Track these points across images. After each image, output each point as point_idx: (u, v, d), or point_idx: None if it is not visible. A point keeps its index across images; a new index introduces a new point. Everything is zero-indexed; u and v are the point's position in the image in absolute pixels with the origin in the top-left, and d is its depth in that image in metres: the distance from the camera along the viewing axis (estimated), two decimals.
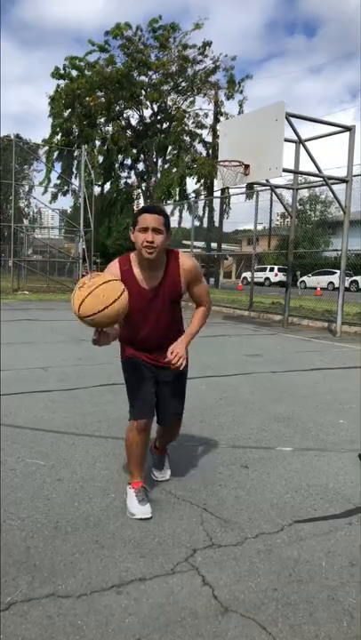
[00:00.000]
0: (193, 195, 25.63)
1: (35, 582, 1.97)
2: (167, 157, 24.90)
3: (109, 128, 24.98)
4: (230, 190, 19.29)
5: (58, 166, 25.08)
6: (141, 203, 28.42)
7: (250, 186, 12.65)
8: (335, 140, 10.53)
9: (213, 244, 29.97)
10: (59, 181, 25.46)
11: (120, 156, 25.26)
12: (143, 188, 26.03)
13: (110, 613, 1.81)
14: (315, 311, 13.16)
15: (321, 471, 3.19)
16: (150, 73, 23.17)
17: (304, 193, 24.52)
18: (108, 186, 26.85)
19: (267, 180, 10.59)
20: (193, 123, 24.61)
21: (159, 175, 24.52)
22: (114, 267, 2.51)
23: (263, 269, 32.77)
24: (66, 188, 25.67)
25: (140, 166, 25.96)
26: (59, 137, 24.19)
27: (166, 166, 24.55)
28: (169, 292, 2.51)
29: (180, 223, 26.93)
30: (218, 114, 24.90)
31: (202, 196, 25.79)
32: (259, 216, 14.43)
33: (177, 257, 2.53)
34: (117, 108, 24.15)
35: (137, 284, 2.46)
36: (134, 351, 2.65)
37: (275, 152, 8.80)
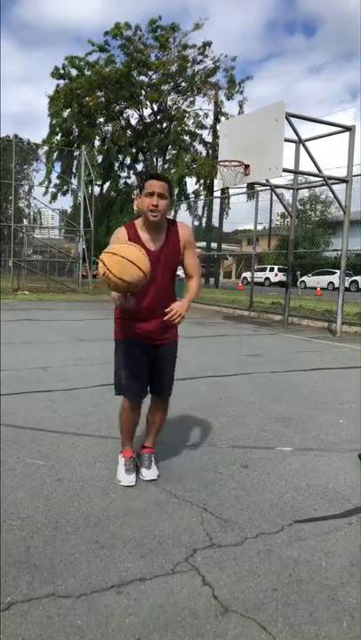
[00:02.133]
0: (192, 195, 25.64)
1: (35, 582, 1.97)
2: (167, 157, 24.90)
3: (109, 128, 24.99)
4: (230, 190, 19.30)
5: (58, 166, 25.10)
6: None
7: (250, 186, 12.65)
8: (335, 139, 10.53)
9: (213, 244, 29.98)
10: (58, 181, 25.48)
11: (120, 156, 25.26)
12: None
13: (110, 613, 1.81)
14: (315, 311, 13.16)
15: (321, 471, 3.19)
16: (150, 73, 23.18)
17: (304, 193, 24.54)
18: (107, 185, 26.87)
19: (267, 180, 10.59)
20: (193, 123, 24.63)
21: None
22: (121, 232, 2.71)
23: (263, 269, 32.77)
24: (66, 187, 25.68)
25: (140, 166, 25.96)
26: (58, 137, 24.19)
27: (166, 166, 24.54)
28: (171, 254, 2.73)
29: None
30: (218, 114, 24.91)
31: (202, 196, 25.80)
32: (259, 216, 14.44)
33: (175, 224, 2.79)
34: (117, 107, 24.15)
35: (143, 245, 2.62)
36: (131, 332, 2.79)
37: (275, 152, 8.80)
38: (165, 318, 2.59)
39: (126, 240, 2.59)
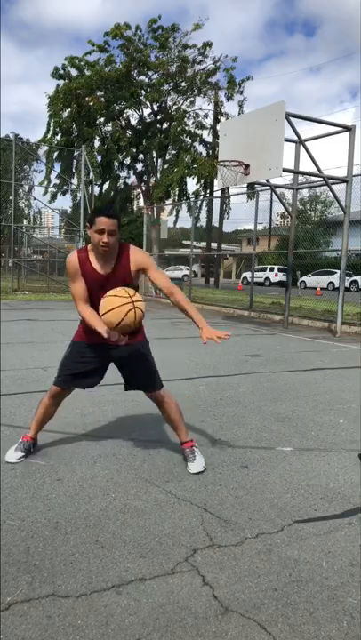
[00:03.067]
0: (193, 195, 25.63)
1: (35, 582, 1.97)
2: (167, 157, 24.88)
3: (109, 128, 24.95)
4: (230, 190, 19.31)
5: (58, 166, 25.07)
6: (141, 203, 28.40)
7: (250, 186, 12.65)
8: (335, 139, 10.53)
9: (213, 244, 29.97)
10: (58, 181, 25.46)
11: (120, 156, 25.23)
12: (143, 188, 26.01)
13: (110, 613, 1.81)
14: (315, 311, 13.16)
15: (321, 471, 3.19)
16: (150, 73, 23.16)
17: (304, 193, 24.56)
18: (107, 185, 26.82)
19: (267, 180, 10.59)
20: (193, 123, 24.60)
21: (159, 175, 24.50)
22: (72, 257, 2.92)
23: (263, 269, 32.79)
24: (65, 187, 25.66)
25: (140, 166, 25.93)
26: (58, 137, 24.16)
27: (166, 166, 24.53)
28: (121, 277, 2.89)
29: (176, 223, 26.93)
30: (218, 114, 24.90)
31: (201, 196, 25.78)
32: (259, 216, 14.44)
33: (128, 249, 2.92)
34: (117, 107, 24.13)
35: (93, 270, 2.89)
36: (85, 335, 3.12)
37: (275, 152, 8.80)
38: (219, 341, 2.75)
39: (76, 267, 2.89)
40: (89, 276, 2.89)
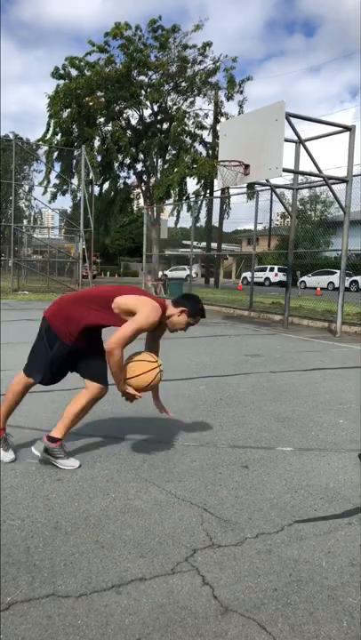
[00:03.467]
0: (193, 195, 25.63)
1: (35, 582, 1.97)
2: (167, 157, 24.87)
3: (109, 128, 24.96)
4: (230, 190, 19.31)
5: (58, 166, 25.08)
6: (141, 202, 28.40)
7: (250, 186, 12.65)
8: (335, 139, 10.53)
9: (213, 244, 29.97)
10: (58, 181, 25.46)
11: (119, 156, 25.23)
12: (143, 188, 26.01)
13: (110, 613, 1.81)
14: (315, 311, 13.17)
15: (321, 471, 3.19)
16: (150, 73, 23.16)
17: (304, 193, 24.55)
18: (107, 185, 26.83)
19: (267, 180, 10.59)
20: (193, 123, 24.61)
21: (159, 175, 24.50)
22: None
23: (263, 269, 32.80)
24: (65, 187, 25.66)
25: (140, 166, 25.94)
26: (58, 137, 24.16)
27: (166, 166, 24.53)
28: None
29: (177, 223, 26.93)
30: (218, 114, 24.90)
31: (201, 197, 25.79)
32: (259, 216, 14.44)
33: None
34: (117, 107, 24.13)
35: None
36: (76, 340, 3.15)
37: (275, 152, 8.80)
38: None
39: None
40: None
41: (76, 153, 24.31)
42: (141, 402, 4.63)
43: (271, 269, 32.72)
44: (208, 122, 25.08)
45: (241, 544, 2.30)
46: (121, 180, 26.98)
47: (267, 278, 32.46)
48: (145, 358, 3.06)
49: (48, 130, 23.99)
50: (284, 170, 9.28)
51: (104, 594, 1.91)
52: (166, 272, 31.14)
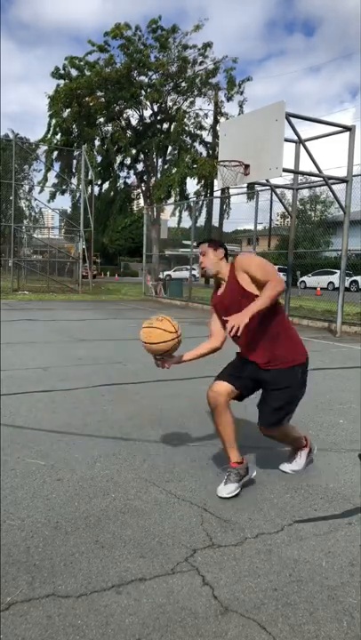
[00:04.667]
0: (193, 195, 25.63)
1: (35, 582, 1.97)
2: (167, 158, 24.88)
3: (109, 128, 24.96)
4: (230, 190, 19.30)
5: (57, 166, 25.08)
6: (141, 202, 28.39)
7: (250, 186, 12.65)
8: (335, 139, 10.53)
9: None
10: (56, 180, 25.47)
11: (119, 156, 25.24)
12: (143, 188, 26.01)
13: (110, 613, 1.81)
14: (315, 311, 13.16)
15: (321, 471, 3.19)
16: (150, 73, 23.16)
17: (304, 193, 24.55)
18: (106, 185, 26.84)
19: (267, 180, 10.59)
20: (193, 123, 24.61)
21: (159, 175, 24.50)
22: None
23: None
24: (65, 187, 25.67)
25: (140, 166, 25.94)
26: (58, 137, 24.17)
27: (166, 166, 24.53)
28: (233, 290, 2.86)
29: (179, 223, 26.92)
30: (218, 114, 24.91)
31: (202, 197, 25.79)
32: (259, 216, 14.43)
33: (232, 265, 2.91)
34: (117, 108, 24.14)
35: (215, 295, 3.04)
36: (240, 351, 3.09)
37: (275, 152, 8.80)
38: (230, 334, 2.70)
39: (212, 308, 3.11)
40: (215, 304, 3.05)
41: (75, 153, 24.30)
42: (141, 402, 4.65)
43: None
44: (208, 122, 25.09)
45: (241, 544, 2.30)
46: (121, 180, 26.99)
47: None
48: (166, 327, 2.94)
49: (49, 130, 24.00)
50: (284, 170, 9.28)
51: (104, 594, 1.91)
52: (170, 272, 31.08)
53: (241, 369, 2.96)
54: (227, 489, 2.76)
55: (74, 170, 25.54)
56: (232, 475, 2.81)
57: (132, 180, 27.19)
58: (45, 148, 24.39)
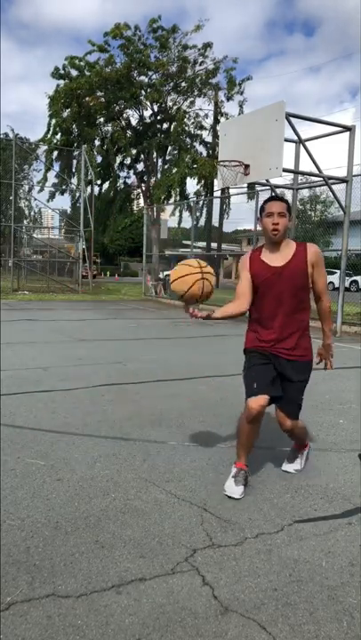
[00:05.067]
0: (193, 196, 25.62)
1: (35, 582, 1.97)
2: (167, 158, 24.88)
3: (109, 128, 24.96)
4: (230, 190, 19.30)
5: (57, 166, 25.08)
6: (141, 202, 28.38)
7: (250, 186, 12.65)
8: (335, 139, 10.53)
9: (213, 244, 29.97)
10: (56, 180, 25.47)
11: (119, 156, 25.25)
12: (143, 188, 26.01)
13: (110, 613, 1.81)
14: (314, 311, 13.14)
15: (321, 471, 3.19)
16: (150, 73, 23.16)
17: (304, 193, 24.53)
18: (106, 185, 26.84)
19: (267, 180, 10.59)
20: (193, 123, 24.61)
21: (159, 175, 24.50)
22: (245, 255, 2.93)
23: None
24: (65, 187, 25.67)
25: (140, 166, 25.94)
26: (58, 137, 24.17)
27: (166, 166, 24.53)
28: (296, 273, 2.75)
29: (180, 223, 26.91)
30: (218, 114, 24.90)
31: (202, 197, 25.79)
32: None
33: (305, 245, 2.80)
34: (117, 108, 24.13)
35: (261, 262, 2.81)
36: (254, 339, 2.93)
37: (275, 152, 8.80)
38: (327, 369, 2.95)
39: (246, 268, 2.86)
40: (259, 271, 2.79)
41: (75, 153, 24.30)
42: (141, 402, 4.65)
43: None
44: (208, 122, 25.08)
45: (241, 544, 2.30)
46: (121, 180, 26.99)
47: None
48: (188, 263, 2.79)
49: (49, 130, 24.01)
50: (284, 170, 9.28)
51: (104, 594, 1.91)
52: (170, 272, 31.01)
53: (270, 371, 2.84)
54: (239, 490, 2.77)
55: (74, 170, 25.53)
56: (240, 476, 2.81)
57: (132, 180, 27.18)
58: (45, 147, 24.38)
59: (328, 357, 3.05)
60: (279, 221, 2.70)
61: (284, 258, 2.77)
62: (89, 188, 21.49)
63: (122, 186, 27.12)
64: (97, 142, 25.01)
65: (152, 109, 24.56)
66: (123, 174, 26.84)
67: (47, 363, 6.13)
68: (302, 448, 3.21)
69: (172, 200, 23.82)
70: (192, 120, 24.63)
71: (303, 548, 2.29)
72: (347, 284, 12.76)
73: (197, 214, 22.90)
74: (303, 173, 10.86)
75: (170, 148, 24.38)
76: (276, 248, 2.80)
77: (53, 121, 23.66)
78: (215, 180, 21.24)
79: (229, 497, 2.75)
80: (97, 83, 22.40)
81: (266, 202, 2.78)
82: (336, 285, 14.49)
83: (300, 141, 10.03)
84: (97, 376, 5.47)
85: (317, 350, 3.01)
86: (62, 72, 23.40)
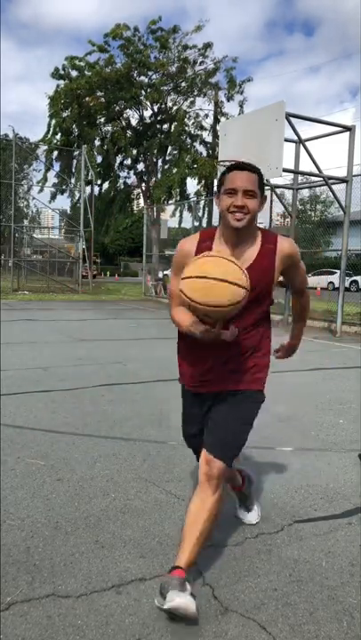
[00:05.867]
0: (194, 196, 25.61)
1: (35, 582, 1.96)
2: (167, 158, 24.88)
3: (109, 128, 24.97)
4: None
5: (57, 166, 25.09)
6: (141, 202, 28.38)
7: None
8: (335, 139, 10.53)
9: None
10: (57, 181, 25.47)
11: (120, 156, 25.26)
12: (143, 188, 26.01)
13: (110, 613, 1.81)
14: (315, 311, 13.15)
15: (321, 471, 3.19)
16: (150, 73, 23.16)
17: (304, 193, 24.54)
18: (106, 185, 26.84)
19: (267, 180, 10.58)
20: (193, 123, 24.61)
21: (159, 175, 24.49)
22: (186, 243, 2.00)
23: None
24: (65, 187, 25.67)
25: (140, 166, 25.94)
26: (58, 137, 24.17)
27: (166, 167, 24.53)
28: (260, 270, 1.92)
29: (181, 223, 26.91)
30: (218, 114, 24.89)
31: (202, 197, 25.78)
32: (259, 216, 14.41)
33: (275, 239, 1.99)
34: (117, 108, 24.14)
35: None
36: (185, 372, 2.13)
37: (275, 152, 8.80)
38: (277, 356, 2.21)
39: (194, 255, 1.89)
40: None
41: (75, 153, 24.29)
42: (141, 402, 4.65)
43: None
44: (208, 122, 25.07)
45: (241, 544, 2.30)
46: (121, 180, 26.98)
47: None
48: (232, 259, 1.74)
49: (49, 130, 24.01)
50: (284, 170, 9.28)
51: (104, 594, 1.91)
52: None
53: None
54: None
55: (74, 170, 25.53)
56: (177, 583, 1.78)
57: (132, 180, 27.18)
58: (45, 147, 24.39)
59: (284, 355, 2.39)
60: (246, 204, 1.84)
61: (247, 257, 1.93)
62: (89, 188, 21.50)
63: (122, 186, 27.12)
64: (97, 142, 25.00)
65: (152, 109, 24.55)
66: (123, 174, 26.84)
67: (47, 363, 6.12)
68: (248, 497, 2.54)
69: (172, 200, 23.81)
70: (192, 120, 24.63)
71: (303, 548, 2.29)
72: (347, 284, 12.76)
73: (199, 214, 22.86)
74: (303, 173, 10.85)
75: (170, 148, 24.38)
76: (236, 239, 1.92)
77: (53, 121, 23.67)
78: (215, 180, 21.22)
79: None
80: (97, 83, 22.40)
81: (227, 171, 1.89)
82: (336, 285, 14.49)
83: (300, 141, 10.03)
84: (97, 376, 5.47)
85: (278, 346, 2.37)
86: (62, 72, 23.40)
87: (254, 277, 1.82)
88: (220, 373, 2.02)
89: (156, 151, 24.34)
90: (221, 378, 2.02)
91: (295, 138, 9.90)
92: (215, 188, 1.86)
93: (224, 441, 1.98)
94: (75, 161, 25.03)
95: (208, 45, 23.12)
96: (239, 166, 1.89)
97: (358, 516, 2.62)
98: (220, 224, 1.99)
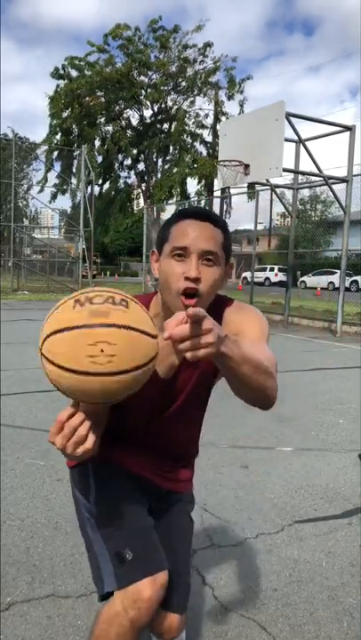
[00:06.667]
0: (194, 196, 25.62)
1: (35, 582, 1.96)
2: (167, 158, 24.89)
3: (109, 128, 24.98)
4: (231, 190, 19.29)
5: (57, 166, 25.10)
6: (141, 202, 28.41)
7: (250, 186, 12.65)
8: (335, 139, 10.54)
9: None
10: (57, 180, 25.48)
11: (120, 156, 25.26)
12: (143, 188, 26.01)
13: None
14: (315, 311, 13.16)
15: (321, 471, 3.19)
16: (150, 73, 23.17)
17: (305, 193, 24.52)
18: (107, 185, 26.86)
19: (267, 180, 10.59)
20: (193, 123, 24.61)
21: (159, 175, 24.50)
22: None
23: (263, 269, 32.75)
24: (65, 187, 25.67)
25: (141, 166, 25.95)
26: (58, 137, 24.17)
27: (167, 166, 24.54)
28: (203, 373, 1.39)
29: None
30: (218, 114, 24.89)
31: (203, 197, 25.78)
32: (259, 216, 14.43)
33: (222, 313, 1.38)
34: (117, 108, 24.15)
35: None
36: (114, 453, 1.40)
37: (275, 152, 8.80)
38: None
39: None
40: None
41: (76, 153, 24.30)
42: None
43: (271, 269, 32.67)
44: (208, 121, 25.08)
45: (241, 544, 2.30)
46: (121, 180, 26.99)
47: (267, 278, 32.42)
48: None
49: (50, 131, 24.03)
50: (285, 170, 9.28)
51: None
52: None
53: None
54: None
55: (74, 170, 25.53)
56: None
57: (133, 180, 27.18)
58: (45, 147, 24.39)
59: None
60: (203, 275, 1.16)
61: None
62: (89, 188, 21.49)
63: (122, 186, 27.12)
64: (97, 142, 25.01)
65: (152, 109, 24.55)
66: (123, 174, 26.85)
67: None
68: None
69: (172, 200, 23.81)
70: (192, 120, 24.64)
71: (303, 548, 2.29)
72: (347, 284, 12.76)
73: None
74: (303, 173, 10.86)
75: (170, 147, 24.38)
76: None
77: (54, 121, 23.67)
78: (215, 180, 21.23)
79: None
80: (97, 83, 22.40)
81: (176, 218, 1.20)
82: (336, 285, 14.50)
83: (300, 141, 10.03)
84: None
85: None
86: (62, 72, 23.40)
87: (200, 368, 1.35)
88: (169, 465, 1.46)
89: (156, 151, 24.34)
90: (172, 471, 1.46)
91: (295, 137, 9.90)
92: (166, 234, 1.20)
93: (186, 587, 1.40)
94: (75, 161, 25.04)
95: (208, 45, 23.14)
96: (198, 213, 1.20)
97: (358, 516, 2.62)
98: (160, 292, 1.27)
